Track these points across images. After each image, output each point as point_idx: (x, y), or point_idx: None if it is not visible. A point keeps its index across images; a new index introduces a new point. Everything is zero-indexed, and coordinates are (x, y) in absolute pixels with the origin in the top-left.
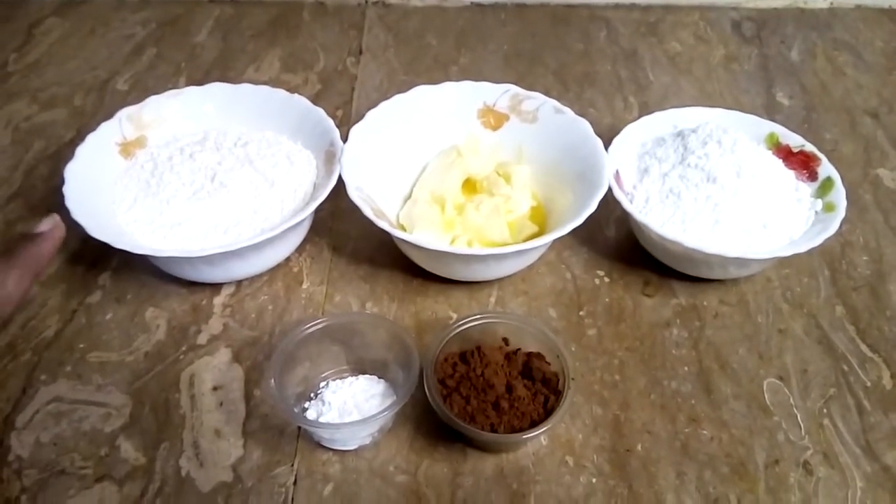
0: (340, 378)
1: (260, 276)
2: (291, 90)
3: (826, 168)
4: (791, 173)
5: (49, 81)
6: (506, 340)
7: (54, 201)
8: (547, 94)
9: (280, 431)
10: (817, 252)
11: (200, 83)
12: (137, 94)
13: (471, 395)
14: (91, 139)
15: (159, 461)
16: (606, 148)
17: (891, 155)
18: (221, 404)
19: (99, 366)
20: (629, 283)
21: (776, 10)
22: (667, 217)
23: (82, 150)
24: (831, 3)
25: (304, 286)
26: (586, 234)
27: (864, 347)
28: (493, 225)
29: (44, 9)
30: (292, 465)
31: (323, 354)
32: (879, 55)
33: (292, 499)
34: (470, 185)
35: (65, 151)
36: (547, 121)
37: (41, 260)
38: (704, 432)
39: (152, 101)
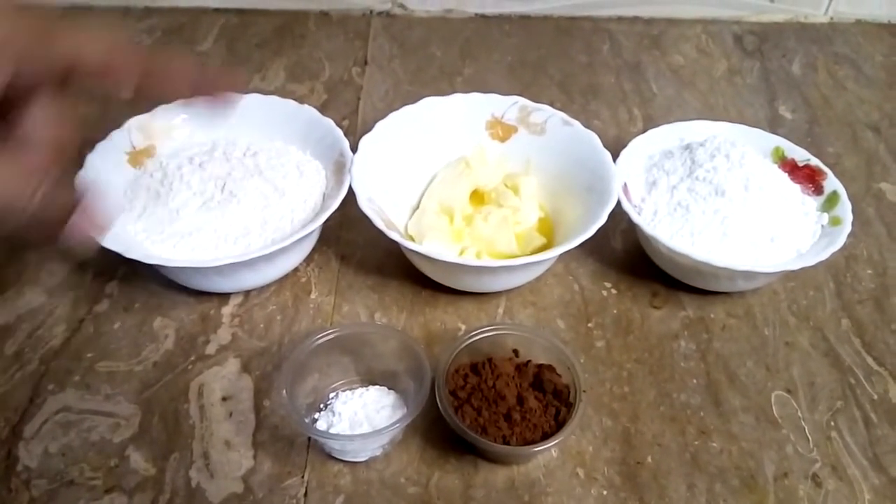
0: (350, 389)
1: (268, 285)
2: (298, 100)
3: (832, 182)
4: (797, 187)
5: None
6: (516, 352)
7: None
8: (551, 105)
9: (290, 443)
10: (822, 265)
11: None
12: (142, 102)
13: (482, 406)
14: (100, 147)
15: (169, 472)
16: (613, 159)
17: (892, 169)
18: (231, 415)
19: (107, 375)
20: (637, 295)
21: (777, 24)
22: (675, 230)
23: (92, 158)
24: (831, 18)
25: (313, 296)
26: (593, 246)
27: (869, 360)
28: (502, 236)
29: None
30: (303, 477)
31: (332, 365)
32: (879, 69)
33: None
34: (478, 197)
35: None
36: (555, 133)
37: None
38: (714, 444)
39: (161, 109)
